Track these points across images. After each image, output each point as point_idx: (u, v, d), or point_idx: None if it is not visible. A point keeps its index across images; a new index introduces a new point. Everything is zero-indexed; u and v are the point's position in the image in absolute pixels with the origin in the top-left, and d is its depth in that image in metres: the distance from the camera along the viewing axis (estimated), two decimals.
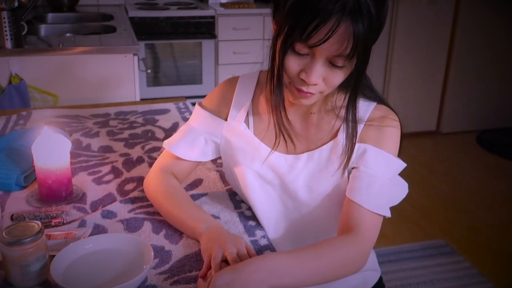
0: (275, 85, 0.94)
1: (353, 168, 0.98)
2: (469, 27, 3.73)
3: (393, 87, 3.77)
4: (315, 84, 0.89)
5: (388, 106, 1.02)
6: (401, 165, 1.00)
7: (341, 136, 0.99)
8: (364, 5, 0.81)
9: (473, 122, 4.02)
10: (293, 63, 0.89)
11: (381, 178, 0.96)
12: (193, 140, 1.09)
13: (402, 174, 1.05)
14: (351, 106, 0.96)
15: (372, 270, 1.21)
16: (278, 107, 0.97)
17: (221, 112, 1.08)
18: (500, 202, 3.02)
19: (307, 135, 1.02)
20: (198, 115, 1.10)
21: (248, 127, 1.05)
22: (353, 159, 0.98)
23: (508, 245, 2.59)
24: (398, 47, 3.68)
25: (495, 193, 3.13)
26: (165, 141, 1.12)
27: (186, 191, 1.10)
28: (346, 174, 0.99)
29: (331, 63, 0.87)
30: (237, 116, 1.06)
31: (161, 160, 1.13)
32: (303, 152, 1.02)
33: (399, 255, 2.47)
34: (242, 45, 3.36)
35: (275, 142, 1.01)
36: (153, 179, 1.10)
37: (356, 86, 0.93)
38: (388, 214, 0.96)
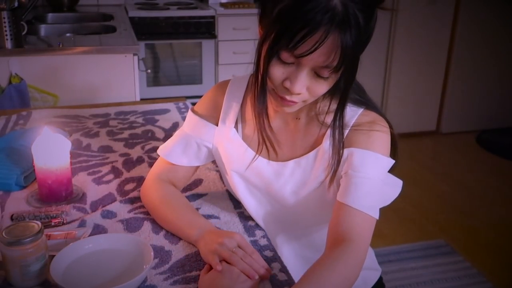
0: (259, 92, 0.91)
1: (343, 173, 0.95)
2: (469, 27, 3.73)
3: (393, 87, 3.77)
4: (299, 94, 0.87)
5: (378, 111, 0.99)
6: (389, 161, 0.96)
7: (326, 143, 0.96)
8: (353, 17, 0.80)
9: (473, 122, 4.02)
10: (277, 71, 0.86)
11: (371, 179, 0.92)
12: (185, 145, 1.08)
13: (401, 173, 1.04)
14: (339, 116, 0.93)
15: (372, 269, 1.21)
16: (261, 114, 0.95)
17: (212, 117, 1.07)
18: (500, 202, 3.02)
19: (293, 142, 1.01)
20: (190, 121, 1.09)
21: (238, 132, 1.05)
22: (340, 166, 0.95)
23: (508, 245, 2.59)
24: (398, 47, 3.68)
25: (495, 193, 3.13)
26: (160, 148, 1.11)
27: (183, 195, 1.10)
28: (334, 182, 0.96)
29: (316, 74, 0.86)
30: (227, 121, 1.05)
31: (156, 168, 1.12)
32: (289, 159, 1.00)
33: (399, 255, 2.46)
34: (242, 45, 3.35)
35: (257, 148, 1.00)
36: (150, 188, 1.09)
37: (344, 97, 0.90)
38: (376, 215, 0.92)
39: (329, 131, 0.96)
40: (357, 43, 0.82)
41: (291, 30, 0.80)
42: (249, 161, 1.02)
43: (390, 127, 0.98)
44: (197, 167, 1.13)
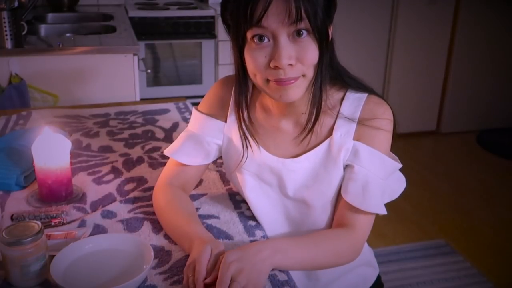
0: (239, 86, 0.97)
1: (347, 165, 0.98)
2: (469, 27, 3.73)
3: (393, 87, 3.77)
4: (290, 65, 0.87)
5: (380, 96, 1.02)
6: (396, 166, 1.00)
7: (337, 134, 0.97)
8: None
9: (473, 122, 4.02)
10: (258, 55, 0.87)
11: (375, 177, 0.96)
12: (195, 145, 1.07)
13: (402, 173, 1.06)
14: (318, 90, 0.93)
15: (371, 267, 1.21)
16: (241, 108, 0.99)
17: (219, 114, 1.07)
18: (500, 202, 3.02)
19: (302, 137, 1.00)
20: (197, 120, 1.09)
21: None
22: (345, 156, 0.97)
23: (508, 245, 2.59)
24: (398, 46, 3.67)
25: (495, 193, 3.13)
26: (167, 149, 1.10)
27: (189, 201, 1.07)
28: (342, 172, 0.98)
29: (293, 38, 0.86)
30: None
31: (166, 170, 1.11)
32: (300, 155, 1.01)
33: (399, 255, 2.47)
34: None
35: (259, 143, 1.02)
36: (159, 192, 1.07)
37: (320, 63, 0.90)
38: (384, 211, 0.96)
39: (338, 122, 0.98)
40: None
41: (244, 5, 0.83)
42: (260, 157, 1.02)
43: (391, 112, 1.01)
44: (207, 165, 1.12)
